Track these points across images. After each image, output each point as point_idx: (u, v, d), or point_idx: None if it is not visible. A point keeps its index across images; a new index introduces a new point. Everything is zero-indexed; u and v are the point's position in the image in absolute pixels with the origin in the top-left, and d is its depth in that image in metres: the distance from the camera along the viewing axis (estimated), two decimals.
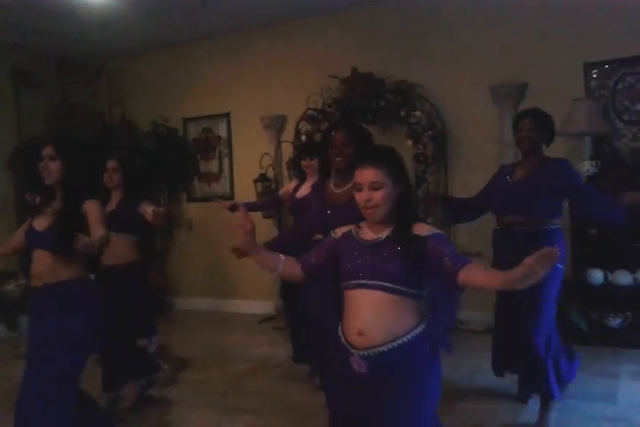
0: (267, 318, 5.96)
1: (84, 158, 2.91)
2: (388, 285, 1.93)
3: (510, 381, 3.56)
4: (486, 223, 3.63)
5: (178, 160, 6.58)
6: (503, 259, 3.28)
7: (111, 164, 3.95)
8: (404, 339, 1.93)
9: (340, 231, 2.15)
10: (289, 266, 2.10)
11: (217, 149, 6.62)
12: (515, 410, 3.43)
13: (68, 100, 6.76)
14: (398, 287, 1.93)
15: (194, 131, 6.75)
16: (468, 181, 5.09)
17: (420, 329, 1.96)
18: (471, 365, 4.11)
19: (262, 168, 5.95)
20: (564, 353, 3.31)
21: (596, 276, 4.55)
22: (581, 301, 4.48)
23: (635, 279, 4.49)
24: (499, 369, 3.50)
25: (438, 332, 1.98)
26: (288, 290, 4.00)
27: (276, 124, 6.09)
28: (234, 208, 4.84)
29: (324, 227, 2.76)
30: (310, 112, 5.62)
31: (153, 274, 6.10)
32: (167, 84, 6.73)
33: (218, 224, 6.19)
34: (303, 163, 4.21)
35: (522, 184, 3.29)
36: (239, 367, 4.52)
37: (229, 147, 6.53)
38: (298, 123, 5.77)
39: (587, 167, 4.51)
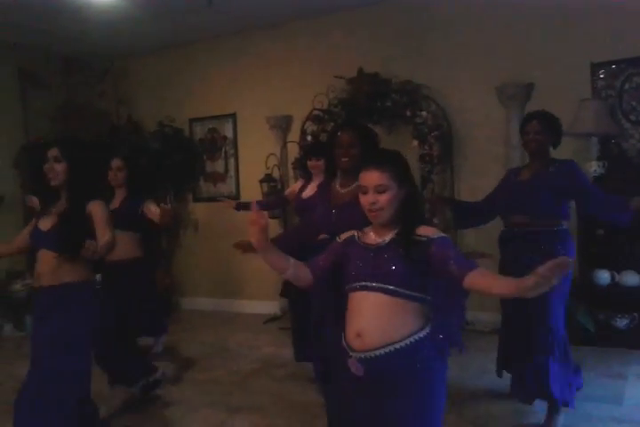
0: (272, 318, 5.97)
1: (88, 160, 2.92)
2: (389, 287, 1.92)
3: None
4: (493, 224, 3.61)
5: (184, 160, 6.59)
6: (510, 260, 3.29)
7: (116, 162, 3.97)
8: (402, 344, 1.90)
9: (343, 236, 2.15)
10: (300, 269, 2.09)
11: (223, 150, 6.62)
12: (522, 411, 3.41)
13: (74, 100, 6.78)
14: (400, 290, 1.91)
15: (200, 131, 6.75)
16: (473, 181, 5.09)
17: (422, 333, 1.93)
18: (478, 365, 4.10)
19: (268, 168, 5.95)
20: (570, 362, 3.27)
21: (603, 276, 4.53)
22: (588, 301, 4.47)
23: None
24: (500, 369, 3.49)
25: (450, 331, 1.96)
26: (290, 289, 4.01)
27: (281, 125, 6.10)
28: (239, 207, 4.86)
29: (329, 226, 2.77)
30: (316, 112, 5.62)
31: (159, 274, 6.13)
32: (173, 84, 6.75)
33: (224, 224, 6.20)
34: (309, 163, 4.22)
35: (525, 184, 3.29)
36: (244, 367, 4.52)
37: (235, 147, 6.54)
38: (304, 123, 5.77)
39: (594, 168, 4.50)
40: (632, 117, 4.67)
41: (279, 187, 5.92)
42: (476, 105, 5.17)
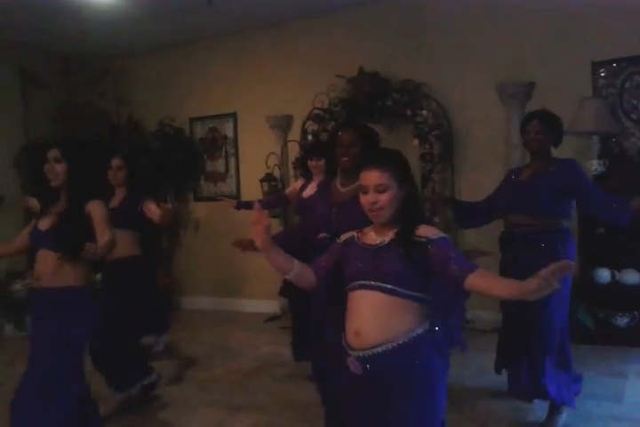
0: (272, 317, 5.97)
1: (89, 160, 2.92)
2: (387, 286, 1.92)
3: None
4: (493, 222, 3.60)
5: (184, 160, 6.60)
6: (510, 261, 3.28)
7: (115, 161, 3.96)
8: (401, 341, 1.90)
9: (343, 237, 2.15)
10: (304, 271, 2.09)
11: (223, 149, 6.62)
12: (522, 410, 3.41)
13: (74, 99, 6.77)
14: (398, 289, 1.91)
15: (200, 130, 6.75)
16: (474, 180, 5.09)
17: (420, 330, 1.92)
18: (478, 364, 4.09)
19: (268, 168, 5.95)
20: (569, 363, 3.26)
21: (604, 275, 4.53)
22: (589, 300, 4.47)
23: None
24: (499, 367, 3.48)
25: (450, 331, 1.97)
26: (290, 288, 4.00)
27: (282, 124, 6.09)
28: (239, 206, 4.86)
29: (329, 225, 2.77)
30: (316, 111, 5.63)
31: (160, 273, 6.13)
32: (173, 83, 6.75)
33: (224, 224, 6.20)
34: (310, 163, 4.21)
35: (525, 183, 3.28)
36: (244, 366, 4.52)
37: (236, 146, 6.54)
38: (304, 122, 5.77)
39: (594, 166, 4.50)
40: (633, 116, 4.67)
41: (279, 186, 5.92)
42: (477, 104, 5.17)
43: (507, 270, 3.27)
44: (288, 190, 4.80)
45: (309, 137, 5.67)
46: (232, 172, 6.58)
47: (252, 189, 6.07)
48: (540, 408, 3.31)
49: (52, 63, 6.60)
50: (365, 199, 2.00)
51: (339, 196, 2.82)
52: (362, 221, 2.09)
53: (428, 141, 5.11)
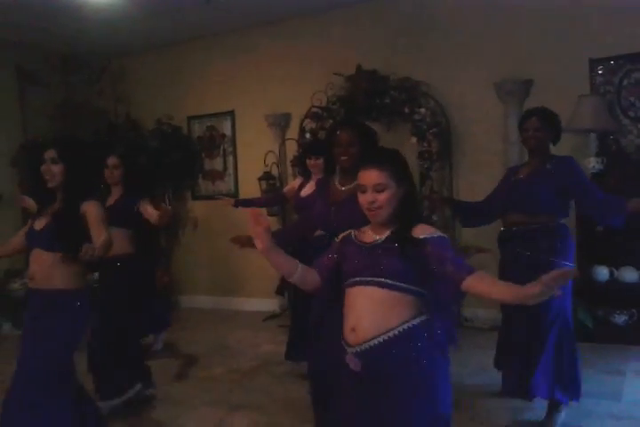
0: (271, 316, 5.97)
1: (86, 160, 2.91)
2: (383, 280, 1.92)
3: None
4: None
5: (182, 158, 6.59)
6: (510, 260, 3.27)
7: (112, 160, 3.93)
8: (396, 331, 1.90)
9: (341, 236, 2.15)
10: (307, 272, 2.09)
11: (221, 147, 6.62)
12: (520, 408, 3.41)
13: (72, 98, 6.77)
14: (394, 283, 1.91)
15: (198, 129, 6.75)
16: (472, 177, 5.09)
17: (415, 321, 1.92)
18: (476, 362, 4.10)
19: (267, 166, 5.95)
20: (573, 366, 3.25)
21: (602, 272, 4.54)
22: (587, 298, 4.46)
23: None
24: (498, 364, 3.49)
25: (446, 326, 1.97)
26: (288, 287, 4.00)
27: (280, 122, 6.09)
28: (238, 204, 4.85)
29: (327, 224, 2.76)
30: (315, 110, 5.63)
31: (159, 272, 6.13)
32: (171, 82, 6.74)
33: (222, 222, 6.19)
34: (309, 162, 4.20)
35: (524, 181, 3.28)
36: (244, 365, 4.53)
37: (234, 145, 6.54)
38: (302, 120, 5.77)
39: (592, 164, 4.50)
40: (630, 113, 4.67)
41: (278, 184, 5.92)
42: (475, 101, 5.17)
43: (506, 269, 3.28)
44: (286, 189, 4.79)
45: (307, 135, 5.67)
46: (230, 170, 6.57)
47: (250, 188, 6.06)
48: (539, 407, 3.30)
49: (50, 62, 6.59)
50: (364, 198, 2.00)
51: (337, 195, 2.82)
52: (361, 220, 2.09)
53: (426, 139, 5.11)
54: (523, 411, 3.39)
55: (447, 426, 1.98)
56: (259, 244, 1.95)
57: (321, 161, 4.00)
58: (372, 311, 1.93)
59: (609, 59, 4.69)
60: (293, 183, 4.64)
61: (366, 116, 5.16)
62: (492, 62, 5.07)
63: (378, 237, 2.01)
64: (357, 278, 1.98)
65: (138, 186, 4.01)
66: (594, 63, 4.74)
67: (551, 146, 3.33)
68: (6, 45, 6.10)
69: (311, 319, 2.87)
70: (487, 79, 5.04)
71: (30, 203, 3.27)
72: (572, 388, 3.19)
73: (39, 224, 2.77)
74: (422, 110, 5.14)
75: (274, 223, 5.80)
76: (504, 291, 1.79)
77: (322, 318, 2.66)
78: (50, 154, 2.76)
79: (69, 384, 2.75)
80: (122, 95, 6.88)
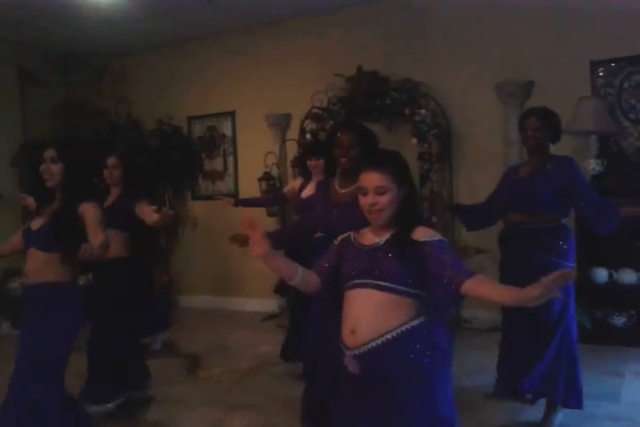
0: (270, 316, 5.96)
1: (85, 160, 2.91)
2: (381, 283, 1.92)
3: None
4: None
5: (182, 158, 6.59)
6: (511, 260, 3.27)
7: (111, 160, 3.89)
8: (394, 333, 1.89)
9: (339, 238, 2.15)
10: (308, 276, 2.08)
11: (221, 148, 6.63)
12: (518, 409, 3.42)
13: (73, 98, 6.78)
14: (393, 285, 1.91)
15: (198, 129, 6.76)
16: (472, 179, 5.09)
17: (414, 323, 1.91)
18: (474, 363, 4.10)
19: (267, 166, 5.95)
20: (577, 366, 3.25)
21: (601, 274, 4.54)
22: (586, 299, 4.46)
23: (639, 278, 4.47)
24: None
25: (444, 327, 1.97)
26: (287, 286, 3.99)
27: (280, 123, 6.09)
28: (238, 203, 4.85)
29: (328, 226, 2.76)
30: (315, 110, 5.63)
31: (158, 272, 6.12)
32: (172, 82, 6.74)
33: (222, 222, 6.18)
34: (309, 163, 4.19)
35: (524, 181, 3.27)
36: (242, 365, 4.52)
37: (234, 145, 6.54)
38: (303, 121, 5.78)
39: (592, 166, 4.50)
40: (631, 116, 4.68)
41: (278, 185, 5.91)
42: (476, 103, 5.17)
43: (507, 270, 3.28)
44: (286, 189, 4.78)
45: (308, 136, 5.67)
46: (230, 170, 6.58)
47: (250, 188, 6.06)
48: (536, 407, 3.31)
49: (50, 62, 6.60)
50: (365, 201, 2.00)
51: (338, 197, 2.82)
52: (361, 222, 2.09)
53: (426, 141, 5.12)
54: (520, 411, 3.39)
55: None
56: (258, 250, 1.92)
57: (321, 162, 4.00)
58: (371, 314, 1.93)
59: (610, 61, 4.70)
60: (294, 183, 4.64)
61: (367, 117, 5.16)
62: (493, 64, 5.08)
63: (378, 240, 2.01)
64: (357, 281, 1.98)
65: (137, 187, 3.97)
66: (595, 65, 4.74)
67: (552, 147, 3.33)
68: (7, 45, 6.11)
69: (311, 321, 2.87)
70: (488, 81, 5.04)
71: (31, 201, 3.27)
72: (573, 395, 3.17)
73: (36, 224, 2.77)
74: (423, 111, 5.14)
75: (274, 223, 5.81)
76: (504, 294, 1.78)
77: (321, 320, 2.66)
78: (49, 153, 2.76)
79: (63, 382, 2.75)
80: (122, 95, 6.87)
